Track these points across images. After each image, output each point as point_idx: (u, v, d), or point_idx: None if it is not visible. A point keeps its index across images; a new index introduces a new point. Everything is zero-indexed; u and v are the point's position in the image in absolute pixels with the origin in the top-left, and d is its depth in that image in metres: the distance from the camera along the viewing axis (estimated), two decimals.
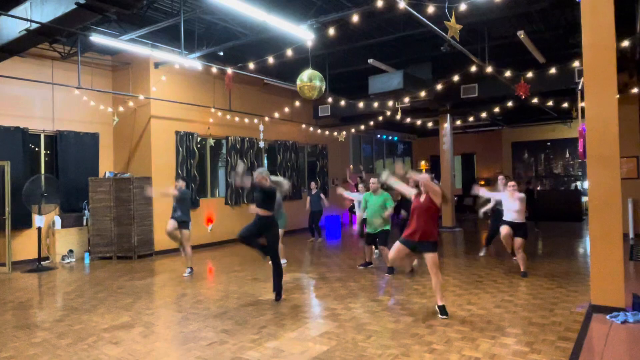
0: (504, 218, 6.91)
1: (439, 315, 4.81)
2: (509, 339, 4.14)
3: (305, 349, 4.03)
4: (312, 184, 11.47)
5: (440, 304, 4.87)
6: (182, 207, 7.48)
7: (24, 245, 8.83)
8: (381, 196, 7.32)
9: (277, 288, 5.72)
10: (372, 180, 7.44)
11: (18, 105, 8.99)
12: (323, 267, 7.88)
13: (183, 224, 7.46)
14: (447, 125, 13.69)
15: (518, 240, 6.74)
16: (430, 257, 4.84)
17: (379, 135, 18.29)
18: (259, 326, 4.69)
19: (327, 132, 14.63)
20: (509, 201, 6.85)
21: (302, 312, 5.22)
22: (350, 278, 6.92)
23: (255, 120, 11.99)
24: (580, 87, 7.64)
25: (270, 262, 5.79)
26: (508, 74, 9.22)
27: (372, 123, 14.16)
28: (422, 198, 4.97)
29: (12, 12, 5.91)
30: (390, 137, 19.07)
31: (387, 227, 7.33)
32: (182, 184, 7.78)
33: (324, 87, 7.52)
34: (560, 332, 4.28)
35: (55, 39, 7.79)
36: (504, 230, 6.80)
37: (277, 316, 5.04)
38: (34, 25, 5.76)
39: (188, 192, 8.01)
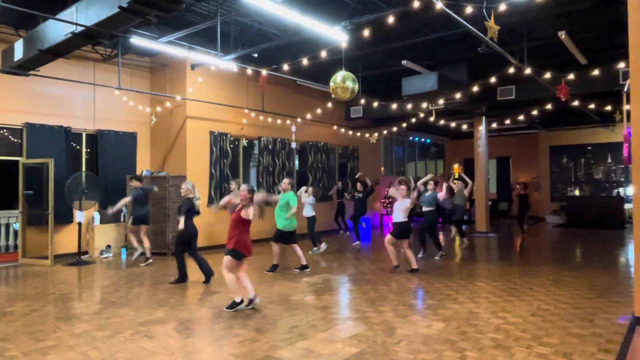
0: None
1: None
2: (545, 348, 4.01)
3: (335, 350, 4.03)
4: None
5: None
6: (139, 205, 8.44)
7: (65, 240, 9.21)
8: (286, 195, 7.63)
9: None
10: (285, 180, 7.92)
11: (62, 105, 9.39)
12: (352, 269, 7.86)
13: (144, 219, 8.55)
14: (482, 128, 13.39)
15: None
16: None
17: (411, 138, 18.08)
18: (290, 326, 4.72)
19: (358, 134, 14.56)
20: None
21: (332, 313, 5.22)
22: (380, 281, 6.87)
23: (288, 122, 12.08)
24: (626, 89, 7.34)
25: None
26: (548, 75, 8.93)
27: (404, 125, 14.01)
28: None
29: (59, 16, 6.17)
30: (422, 140, 18.83)
31: (288, 228, 7.58)
32: (136, 183, 8.63)
33: (357, 89, 7.49)
34: (601, 344, 4.11)
35: (98, 42, 8.08)
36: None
37: (308, 317, 5.06)
38: (79, 29, 5.99)
39: (141, 191, 8.58)
